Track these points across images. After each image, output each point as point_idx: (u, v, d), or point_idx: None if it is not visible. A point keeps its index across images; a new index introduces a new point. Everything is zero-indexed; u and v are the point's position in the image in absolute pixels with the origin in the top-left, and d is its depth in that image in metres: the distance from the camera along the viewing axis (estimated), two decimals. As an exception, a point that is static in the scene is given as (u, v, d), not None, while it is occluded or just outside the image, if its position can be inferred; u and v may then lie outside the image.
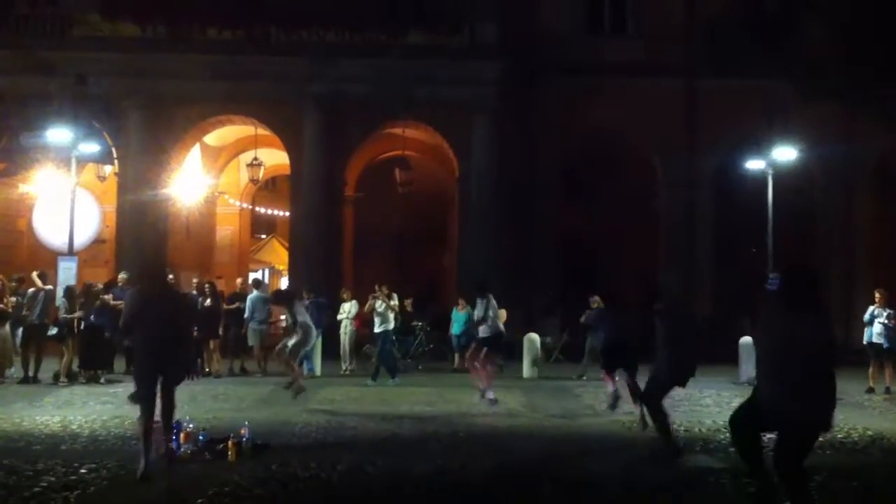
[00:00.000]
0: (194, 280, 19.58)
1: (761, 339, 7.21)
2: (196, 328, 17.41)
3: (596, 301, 17.39)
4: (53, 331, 16.64)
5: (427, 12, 24.78)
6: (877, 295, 16.71)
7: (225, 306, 18.70)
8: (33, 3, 24.32)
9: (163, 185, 24.02)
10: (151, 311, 8.83)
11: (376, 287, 17.77)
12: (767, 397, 6.61)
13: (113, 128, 23.37)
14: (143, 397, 8.72)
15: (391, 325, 17.50)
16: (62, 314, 16.74)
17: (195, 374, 10.02)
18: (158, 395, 8.76)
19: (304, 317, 14.90)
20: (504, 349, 15.90)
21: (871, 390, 16.11)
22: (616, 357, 12.63)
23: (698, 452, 10.08)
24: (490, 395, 13.86)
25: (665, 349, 9.72)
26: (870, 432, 11.62)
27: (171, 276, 17.63)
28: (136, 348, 9.18)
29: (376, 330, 17.46)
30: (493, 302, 14.43)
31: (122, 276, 18.59)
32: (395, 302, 18.07)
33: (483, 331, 14.33)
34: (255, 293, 18.96)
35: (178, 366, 9.00)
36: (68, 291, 17.20)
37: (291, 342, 14.52)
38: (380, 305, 17.37)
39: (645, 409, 11.00)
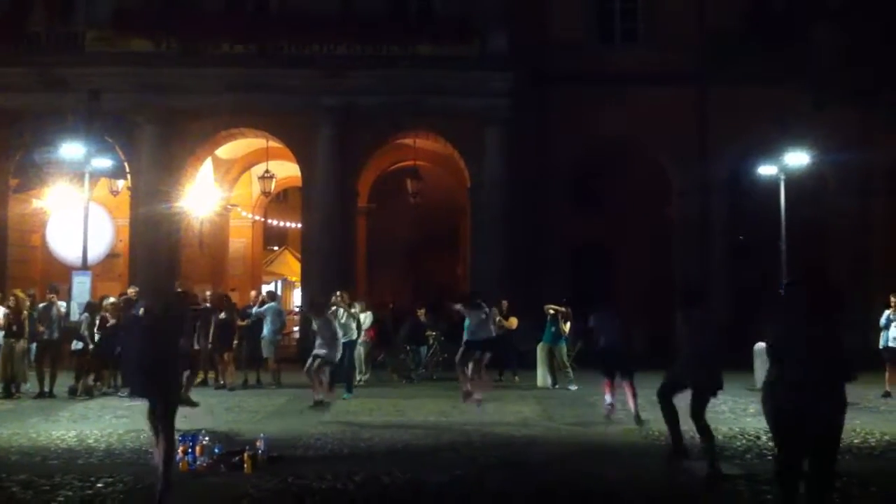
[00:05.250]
0: (207, 293, 19.62)
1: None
2: (209, 341, 17.64)
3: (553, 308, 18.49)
4: (79, 345, 16.64)
5: (438, 23, 24.87)
6: (892, 299, 16.61)
7: (240, 322, 18.64)
8: (47, 20, 24.46)
9: (175, 198, 24.10)
10: (139, 331, 8.66)
11: (337, 294, 17.07)
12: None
13: (125, 142, 23.53)
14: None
15: (354, 336, 16.93)
16: (84, 329, 16.73)
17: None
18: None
19: (337, 329, 14.85)
20: (478, 351, 15.50)
21: (887, 394, 16.01)
22: (611, 363, 13.10)
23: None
24: (476, 396, 14.59)
25: (688, 354, 9.66)
26: (887, 437, 11.55)
27: (179, 289, 17.74)
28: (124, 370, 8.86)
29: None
30: (486, 309, 15.17)
31: (130, 290, 18.60)
32: (356, 310, 17.43)
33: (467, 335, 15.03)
34: (271, 304, 18.97)
35: (168, 389, 8.49)
36: (90, 307, 17.21)
37: (322, 353, 14.47)
38: (342, 315, 16.54)
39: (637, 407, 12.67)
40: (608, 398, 13.25)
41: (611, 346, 13.18)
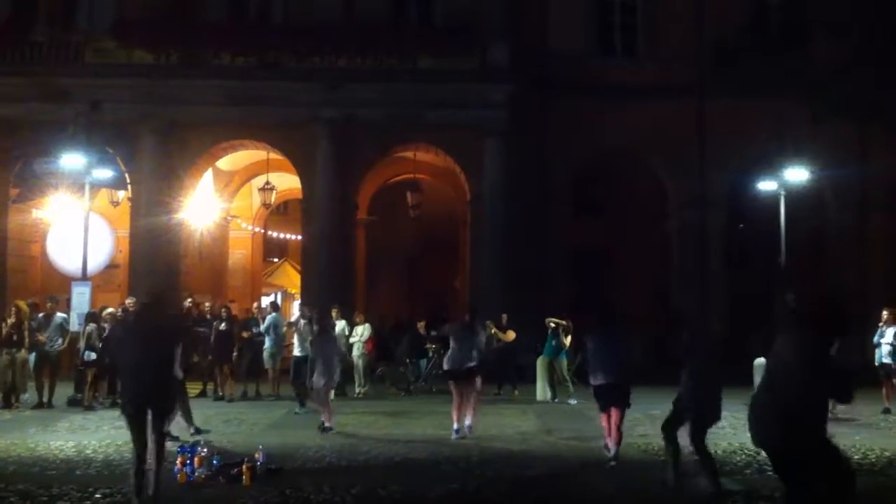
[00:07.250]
0: (207, 304, 19.60)
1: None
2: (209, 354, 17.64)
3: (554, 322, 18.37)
4: (92, 356, 16.51)
5: (438, 35, 24.94)
6: (884, 314, 16.52)
7: (243, 334, 18.57)
8: (48, 30, 24.51)
9: (176, 209, 24.09)
10: (135, 339, 8.58)
11: (304, 308, 16.66)
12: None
13: (126, 153, 23.55)
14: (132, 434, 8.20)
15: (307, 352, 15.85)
16: (95, 340, 16.65)
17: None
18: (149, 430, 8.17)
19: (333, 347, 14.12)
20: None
21: (886, 411, 15.95)
22: (609, 398, 10.86)
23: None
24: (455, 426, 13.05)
25: (691, 385, 9.05)
26: (887, 453, 11.52)
27: (189, 300, 17.74)
28: (121, 380, 8.70)
29: (297, 354, 16.46)
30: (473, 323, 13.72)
31: (128, 300, 18.53)
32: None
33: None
34: (274, 315, 18.95)
35: (165, 398, 8.43)
36: (93, 317, 17.15)
37: (324, 380, 13.35)
38: (304, 329, 16.35)
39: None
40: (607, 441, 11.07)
41: (610, 380, 10.72)
